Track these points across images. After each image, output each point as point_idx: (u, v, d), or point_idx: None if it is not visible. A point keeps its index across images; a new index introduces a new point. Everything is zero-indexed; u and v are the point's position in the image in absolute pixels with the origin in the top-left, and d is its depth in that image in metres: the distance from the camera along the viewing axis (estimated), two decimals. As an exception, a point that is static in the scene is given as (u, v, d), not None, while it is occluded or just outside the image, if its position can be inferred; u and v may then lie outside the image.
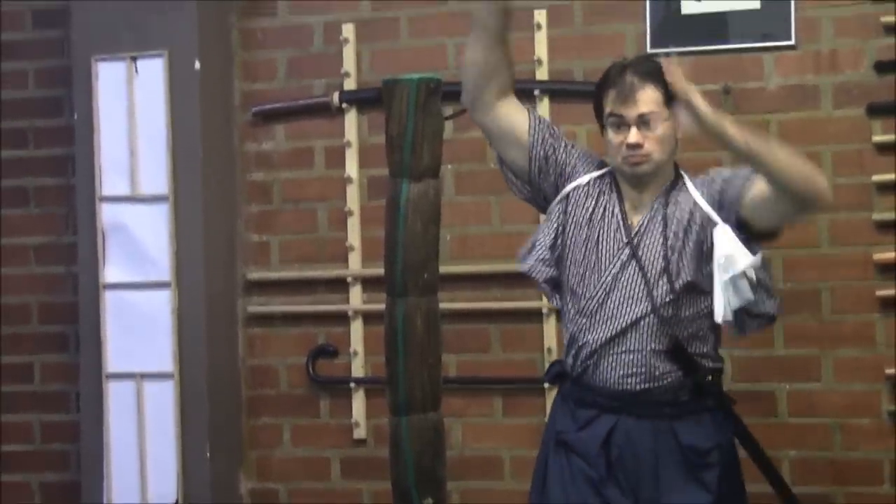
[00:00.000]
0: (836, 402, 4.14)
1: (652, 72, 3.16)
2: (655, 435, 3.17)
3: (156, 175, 4.48)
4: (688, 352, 3.17)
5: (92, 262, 4.53)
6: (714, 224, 3.15)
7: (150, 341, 4.48)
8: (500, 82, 3.23)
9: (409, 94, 3.17)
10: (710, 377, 3.21)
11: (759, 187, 3.12)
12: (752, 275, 3.11)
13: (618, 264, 3.19)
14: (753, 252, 3.13)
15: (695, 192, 3.21)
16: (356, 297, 4.54)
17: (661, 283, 3.16)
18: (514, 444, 4.39)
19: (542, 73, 4.37)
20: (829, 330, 4.15)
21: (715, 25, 4.22)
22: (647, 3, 4.27)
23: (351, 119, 4.54)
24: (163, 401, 4.47)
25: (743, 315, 3.18)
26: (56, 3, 4.74)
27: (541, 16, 4.35)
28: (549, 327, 4.33)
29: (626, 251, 3.19)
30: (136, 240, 4.50)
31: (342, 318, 4.55)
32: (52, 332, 4.81)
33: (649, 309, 3.15)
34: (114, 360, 4.51)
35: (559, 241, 3.26)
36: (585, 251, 3.22)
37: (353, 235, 4.54)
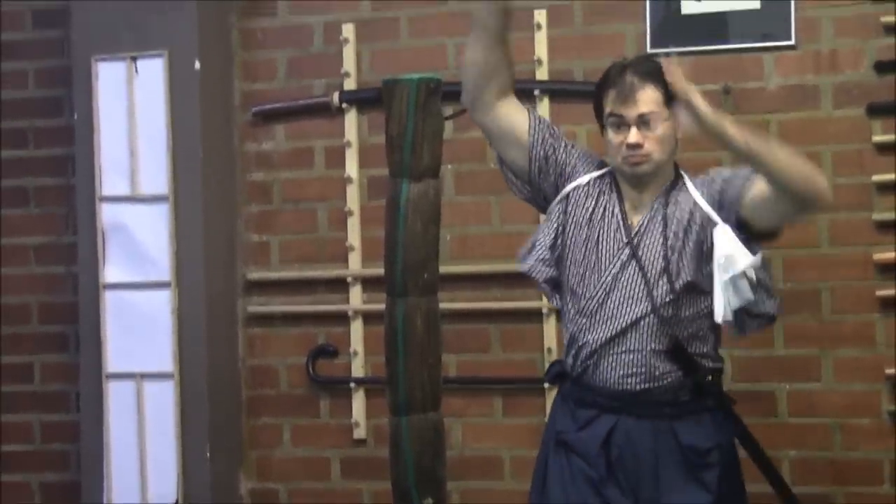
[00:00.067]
0: (836, 402, 4.14)
1: (652, 72, 3.16)
2: (655, 435, 3.17)
3: (156, 175, 4.47)
4: (688, 352, 3.17)
5: (92, 262, 4.53)
6: (714, 224, 3.15)
7: (150, 341, 4.47)
8: (500, 82, 3.23)
9: (409, 94, 3.17)
10: (710, 377, 3.21)
11: (759, 187, 3.11)
12: (752, 275, 3.11)
13: (618, 264, 3.19)
14: (753, 252, 3.12)
15: (695, 192, 3.21)
16: (356, 297, 4.54)
17: (661, 283, 3.16)
18: (514, 444, 4.39)
19: (542, 73, 4.37)
20: (829, 330, 4.15)
21: (715, 25, 4.21)
22: (647, 3, 4.26)
23: (351, 119, 4.54)
24: (163, 401, 4.47)
25: (743, 315, 3.18)
26: (56, 3, 4.73)
27: (541, 16, 4.35)
28: (549, 327, 4.33)
29: (626, 251, 3.19)
30: (136, 240, 4.50)
31: (342, 318, 4.55)
32: (52, 332, 4.81)
33: (649, 309, 3.15)
34: (114, 360, 4.51)
35: (559, 241, 3.26)
36: (585, 251, 3.22)
37: (353, 235, 4.53)
